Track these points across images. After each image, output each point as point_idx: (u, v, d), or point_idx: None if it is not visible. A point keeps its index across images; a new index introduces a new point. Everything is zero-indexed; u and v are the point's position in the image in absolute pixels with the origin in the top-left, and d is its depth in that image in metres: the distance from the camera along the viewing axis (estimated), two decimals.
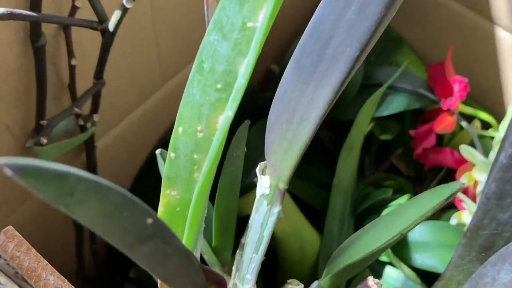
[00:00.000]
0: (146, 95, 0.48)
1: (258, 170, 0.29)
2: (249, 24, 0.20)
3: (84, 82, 0.40)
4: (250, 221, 0.29)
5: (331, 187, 0.55)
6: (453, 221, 0.53)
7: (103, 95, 0.42)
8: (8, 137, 0.37)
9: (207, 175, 0.21)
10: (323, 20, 0.23)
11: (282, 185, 0.28)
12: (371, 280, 0.31)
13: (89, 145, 0.41)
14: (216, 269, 0.32)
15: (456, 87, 0.54)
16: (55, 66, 0.38)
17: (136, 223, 0.17)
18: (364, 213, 0.55)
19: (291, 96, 0.25)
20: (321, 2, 0.23)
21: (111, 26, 0.35)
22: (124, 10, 0.34)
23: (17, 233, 0.24)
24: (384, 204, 0.54)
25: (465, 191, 0.54)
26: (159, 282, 0.22)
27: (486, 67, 0.60)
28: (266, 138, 0.27)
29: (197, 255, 0.27)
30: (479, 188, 0.53)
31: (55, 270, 0.23)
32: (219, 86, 0.21)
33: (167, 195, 0.23)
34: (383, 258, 0.50)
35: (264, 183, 0.28)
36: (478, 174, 0.52)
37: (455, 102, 0.54)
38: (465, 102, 0.57)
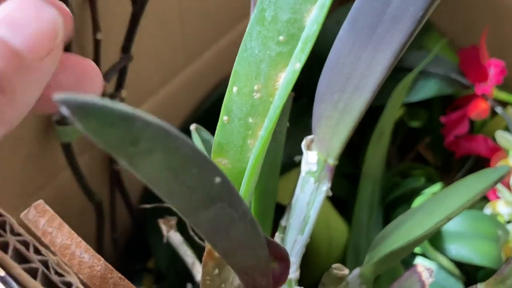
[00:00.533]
0: (169, 77, 0.46)
1: (303, 145, 0.27)
2: None
3: (107, 59, 0.38)
4: (293, 201, 0.28)
5: (357, 176, 0.53)
6: (487, 211, 0.51)
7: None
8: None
9: (265, 140, 0.19)
10: None
11: (332, 161, 0.26)
12: (420, 266, 0.29)
13: None
14: None
15: (492, 71, 0.52)
16: (79, 40, 0.36)
17: (203, 182, 0.15)
18: (393, 203, 0.53)
19: (345, 62, 0.23)
20: None
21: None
22: None
23: (48, 207, 0.22)
24: (415, 193, 0.52)
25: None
26: (204, 258, 0.20)
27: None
28: (314, 110, 0.25)
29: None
30: None
31: (89, 248, 0.22)
32: (281, 38, 0.19)
33: (219, 163, 0.22)
34: (416, 248, 0.48)
35: (310, 159, 0.27)
36: None
37: (491, 87, 0.52)
38: (498, 87, 0.56)
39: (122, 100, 0.38)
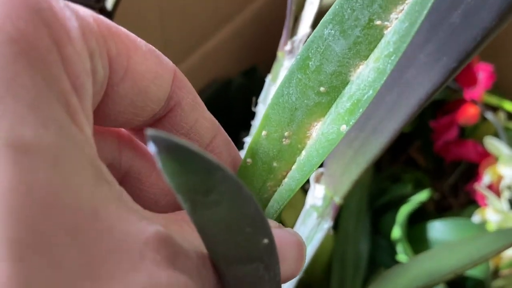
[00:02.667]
0: None
1: (312, 177, 0.27)
2: (377, 22, 0.17)
3: None
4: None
5: None
6: (476, 218, 0.52)
7: None
8: None
9: (293, 192, 0.19)
10: None
11: (338, 199, 0.26)
12: None
13: None
14: None
15: (481, 76, 0.53)
16: None
17: (252, 241, 0.15)
18: (381, 209, 0.54)
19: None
20: None
21: (109, 4, 0.33)
22: None
23: None
24: (403, 200, 0.53)
25: (489, 186, 0.53)
26: None
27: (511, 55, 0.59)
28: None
29: None
30: (504, 182, 0.52)
31: None
32: (322, 89, 0.18)
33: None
34: (401, 257, 0.49)
35: (317, 193, 0.27)
36: (503, 168, 0.51)
37: (480, 92, 0.53)
38: (489, 92, 0.56)
39: None
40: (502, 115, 0.56)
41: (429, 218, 0.54)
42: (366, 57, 0.18)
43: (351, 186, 0.26)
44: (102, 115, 0.17)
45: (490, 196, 0.51)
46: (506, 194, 0.52)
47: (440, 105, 0.59)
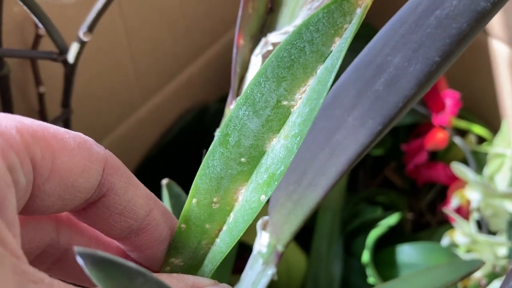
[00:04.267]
0: (126, 114, 0.46)
1: (259, 224, 0.28)
2: (284, 103, 0.19)
3: (56, 106, 0.37)
4: (242, 275, 0.28)
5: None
6: (445, 241, 0.52)
7: (82, 115, 0.40)
8: None
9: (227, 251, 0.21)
10: (348, 86, 0.22)
11: (280, 248, 0.27)
12: None
13: None
14: None
15: (448, 102, 0.53)
16: (23, 93, 0.36)
17: None
18: (353, 233, 0.54)
19: (302, 157, 0.24)
20: (347, 69, 0.22)
21: (70, 58, 0.33)
22: (82, 43, 0.32)
23: None
24: (374, 222, 0.53)
25: (458, 210, 0.54)
26: None
27: (482, 79, 0.60)
28: (272, 195, 0.26)
29: None
30: (472, 206, 0.53)
31: None
32: (243, 159, 0.20)
33: (171, 263, 0.23)
34: (371, 280, 0.50)
35: (263, 240, 0.27)
36: (470, 193, 0.52)
37: (447, 118, 0.53)
38: (460, 115, 0.57)
39: None
40: (472, 138, 0.57)
41: (405, 238, 0.54)
42: (278, 130, 0.20)
43: (292, 235, 0.26)
44: (32, 209, 0.18)
45: (458, 219, 0.52)
46: (474, 217, 0.53)
47: (413, 128, 0.59)
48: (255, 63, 0.24)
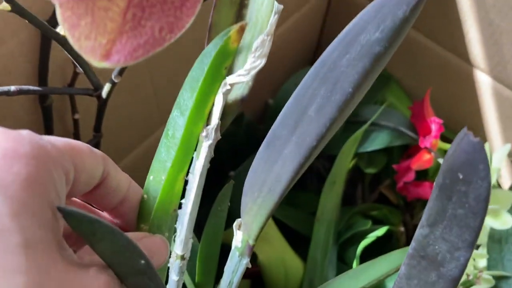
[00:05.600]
0: (146, 135, 0.53)
1: (235, 225, 0.34)
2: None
3: (88, 130, 0.44)
4: (225, 267, 0.34)
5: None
6: None
7: (107, 136, 0.47)
8: None
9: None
10: (291, 113, 0.28)
11: (251, 242, 0.32)
12: None
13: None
14: None
15: (433, 127, 0.58)
16: (62, 119, 0.43)
17: (133, 262, 0.24)
18: (347, 242, 0.59)
19: (262, 170, 0.30)
20: (290, 99, 0.28)
21: (104, 93, 0.40)
22: (114, 83, 0.39)
23: None
24: (365, 234, 0.58)
25: None
26: None
27: (467, 105, 0.65)
28: (242, 200, 0.32)
29: (180, 276, 0.32)
30: None
31: None
32: (176, 148, 0.29)
33: (141, 228, 0.31)
34: None
35: (238, 238, 0.33)
36: None
37: (431, 141, 0.58)
38: (448, 138, 0.62)
39: None
40: None
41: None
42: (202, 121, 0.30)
43: (259, 231, 0.32)
44: (69, 195, 0.27)
45: None
46: None
47: (406, 150, 0.64)
48: (218, 100, 0.30)
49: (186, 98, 0.28)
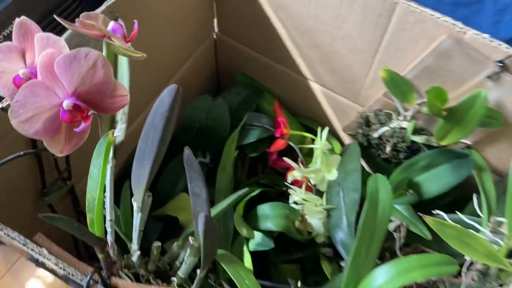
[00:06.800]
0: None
1: (133, 200, 0.67)
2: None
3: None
4: (133, 220, 0.67)
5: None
6: (291, 200, 0.90)
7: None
8: (27, 197, 0.75)
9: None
10: (144, 140, 0.61)
11: (139, 205, 0.65)
12: None
13: (72, 192, 0.79)
14: (127, 241, 0.70)
15: (281, 124, 0.92)
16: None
17: (84, 235, 0.55)
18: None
19: (135, 170, 0.63)
20: (143, 131, 0.61)
21: None
22: None
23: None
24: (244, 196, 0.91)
25: (296, 182, 0.91)
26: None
27: (311, 103, 0.98)
28: (132, 186, 0.65)
29: (113, 236, 0.65)
30: (298, 178, 0.90)
31: None
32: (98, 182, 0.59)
33: (89, 216, 0.61)
34: (244, 232, 0.87)
35: (134, 204, 0.66)
36: (296, 173, 0.89)
37: (281, 132, 0.91)
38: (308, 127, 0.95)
39: (68, 183, 0.78)
40: (309, 140, 0.94)
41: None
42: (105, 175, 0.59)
43: (142, 201, 0.65)
44: None
45: (293, 187, 0.89)
46: (310, 183, 0.90)
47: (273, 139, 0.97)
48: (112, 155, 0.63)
49: (96, 164, 0.56)
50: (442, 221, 0.59)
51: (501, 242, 0.66)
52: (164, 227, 0.91)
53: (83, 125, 0.47)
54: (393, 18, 0.68)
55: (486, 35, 0.63)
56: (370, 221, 0.59)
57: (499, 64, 0.64)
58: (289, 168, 0.91)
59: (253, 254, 0.84)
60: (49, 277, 1.35)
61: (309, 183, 0.91)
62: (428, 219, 0.59)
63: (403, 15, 0.67)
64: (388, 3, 0.67)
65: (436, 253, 0.61)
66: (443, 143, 0.73)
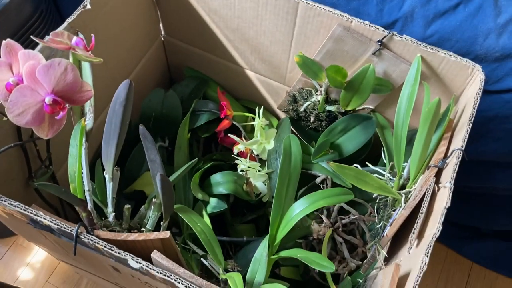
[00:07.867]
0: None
1: (105, 173, 0.83)
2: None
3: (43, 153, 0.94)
4: (106, 188, 0.84)
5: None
6: (239, 169, 1.08)
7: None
8: (17, 182, 0.91)
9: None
10: (108, 125, 0.77)
11: (110, 175, 0.82)
12: None
13: (53, 178, 0.95)
14: (103, 207, 0.86)
15: (224, 106, 1.09)
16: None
17: (69, 198, 0.72)
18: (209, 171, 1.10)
19: (104, 148, 0.80)
20: (107, 117, 0.77)
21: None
22: None
23: None
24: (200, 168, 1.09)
25: (242, 153, 1.09)
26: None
27: (245, 89, 1.16)
28: (103, 161, 0.82)
29: (91, 203, 0.81)
30: (242, 150, 1.08)
31: None
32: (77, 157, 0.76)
33: (71, 186, 0.78)
34: (200, 196, 1.05)
35: (106, 175, 0.83)
36: (240, 146, 1.07)
37: (225, 113, 1.09)
38: (250, 107, 1.13)
39: (50, 169, 0.94)
40: (250, 119, 1.12)
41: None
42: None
43: (112, 173, 0.82)
44: None
45: (240, 158, 1.07)
46: (253, 154, 1.08)
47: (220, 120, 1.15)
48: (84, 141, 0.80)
49: (74, 144, 0.75)
50: (342, 165, 0.78)
51: (393, 179, 0.85)
52: (135, 205, 1.07)
53: (61, 114, 0.64)
54: (298, 14, 0.86)
55: (367, 22, 0.82)
56: (286, 168, 0.78)
57: (378, 43, 0.82)
58: (235, 143, 1.09)
59: (214, 219, 1.01)
60: (38, 263, 1.51)
61: (253, 154, 1.09)
62: (331, 164, 0.77)
63: (305, 11, 0.85)
64: (291, 2, 0.85)
65: (336, 188, 0.79)
66: (348, 108, 0.92)
